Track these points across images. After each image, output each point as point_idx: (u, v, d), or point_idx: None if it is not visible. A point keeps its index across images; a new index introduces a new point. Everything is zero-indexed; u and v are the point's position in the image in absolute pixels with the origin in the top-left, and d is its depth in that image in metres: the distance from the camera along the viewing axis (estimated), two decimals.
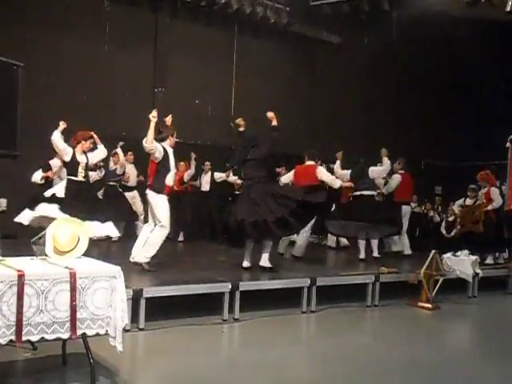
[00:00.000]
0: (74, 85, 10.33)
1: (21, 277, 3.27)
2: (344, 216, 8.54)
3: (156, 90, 11.83)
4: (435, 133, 14.76)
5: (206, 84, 12.19)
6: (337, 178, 8.36)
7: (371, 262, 8.06)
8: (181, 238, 10.43)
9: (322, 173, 8.10)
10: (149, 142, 6.04)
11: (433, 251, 7.02)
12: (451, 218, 10.46)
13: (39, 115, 9.13)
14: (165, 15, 11.93)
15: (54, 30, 10.31)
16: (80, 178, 6.72)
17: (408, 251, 9.37)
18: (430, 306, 6.84)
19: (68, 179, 6.71)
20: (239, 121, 7.02)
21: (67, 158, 6.68)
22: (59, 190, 6.67)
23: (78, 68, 10.46)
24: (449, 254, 7.73)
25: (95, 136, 6.99)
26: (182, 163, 10.34)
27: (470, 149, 13.62)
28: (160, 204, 6.22)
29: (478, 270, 7.78)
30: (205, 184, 11.00)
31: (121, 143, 9.62)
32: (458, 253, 7.78)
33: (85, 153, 6.83)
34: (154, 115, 6.13)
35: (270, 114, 6.91)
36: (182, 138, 11.75)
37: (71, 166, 6.74)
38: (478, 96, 14.22)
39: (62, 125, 6.66)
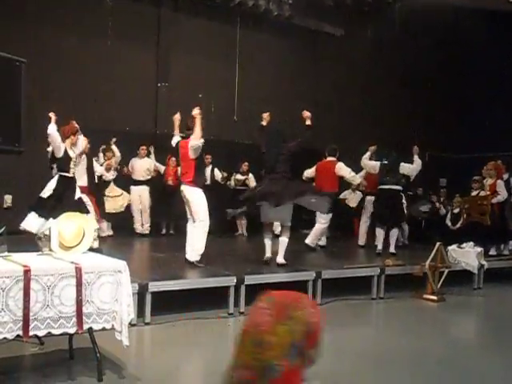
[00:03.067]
0: (77, 80, 10.33)
1: (27, 272, 3.29)
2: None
3: (159, 85, 11.81)
4: (439, 124, 14.70)
5: (209, 78, 12.16)
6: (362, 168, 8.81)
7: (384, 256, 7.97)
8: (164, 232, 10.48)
9: (342, 169, 8.33)
10: (199, 138, 6.40)
11: (438, 243, 7.01)
12: (456, 210, 10.43)
13: (43, 111, 9.14)
14: (167, 10, 11.90)
15: (57, 25, 10.29)
16: (71, 174, 6.57)
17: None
18: (435, 298, 6.83)
19: (60, 176, 6.50)
20: (266, 116, 7.03)
21: (60, 154, 6.50)
22: (45, 190, 6.48)
23: (81, 64, 10.45)
24: (454, 246, 7.73)
25: (77, 125, 6.80)
26: (173, 158, 10.21)
27: (475, 140, 13.54)
28: (200, 198, 6.36)
29: (484, 262, 7.77)
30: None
31: (114, 139, 9.43)
32: (463, 245, 7.78)
33: (72, 148, 6.66)
34: (198, 112, 6.47)
35: (306, 114, 7.04)
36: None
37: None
38: (482, 87, 14.13)
39: (54, 116, 6.47)
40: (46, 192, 6.47)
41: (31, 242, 6.43)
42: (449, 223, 10.55)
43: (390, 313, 6.48)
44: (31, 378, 3.73)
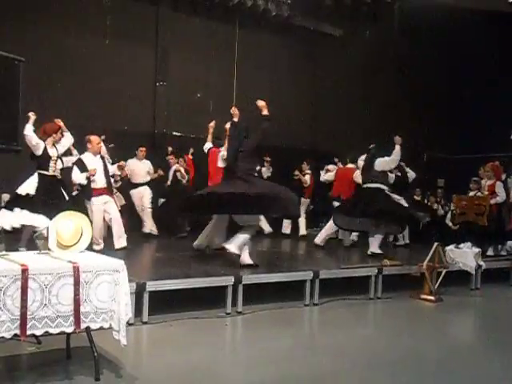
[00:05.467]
0: (75, 79, 10.31)
1: (24, 271, 3.28)
2: (349, 210, 8.26)
3: (157, 84, 11.81)
4: (437, 125, 14.71)
5: (208, 77, 12.17)
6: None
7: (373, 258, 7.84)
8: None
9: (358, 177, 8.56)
10: None
11: (435, 244, 7.02)
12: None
13: (41, 110, 9.13)
14: (165, 8, 11.90)
15: (55, 24, 10.28)
16: (51, 172, 6.56)
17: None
18: (432, 298, 6.85)
19: (40, 174, 6.51)
20: (233, 110, 6.88)
21: (39, 153, 6.47)
22: (30, 187, 6.47)
23: (79, 62, 10.44)
24: (451, 247, 7.73)
25: (62, 124, 6.78)
26: (181, 159, 10.34)
27: (472, 141, 13.56)
28: None
29: (481, 262, 7.78)
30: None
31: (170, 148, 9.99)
32: (461, 245, 7.79)
33: (55, 146, 6.66)
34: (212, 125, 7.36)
35: (261, 103, 6.68)
36: (184, 132, 11.82)
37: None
38: (480, 87, 14.15)
39: (32, 116, 6.45)
40: (24, 189, 6.46)
41: (29, 241, 6.48)
42: (449, 223, 10.53)
43: (387, 313, 6.49)
44: (28, 377, 3.72)
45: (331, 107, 13.52)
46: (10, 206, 6.49)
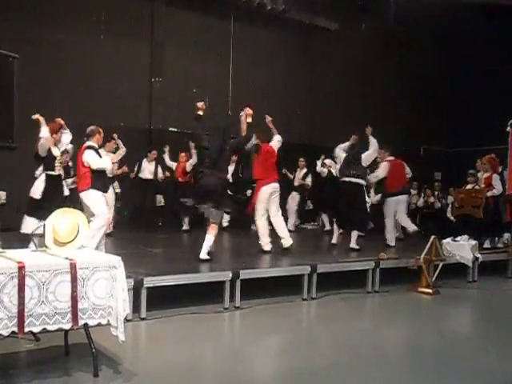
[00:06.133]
0: (70, 75, 10.28)
1: (21, 268, 3.28)
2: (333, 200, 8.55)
3: (153, 79, 11.77)
4: (434, 118, 14.72)
5: (203, 72, 12.14)
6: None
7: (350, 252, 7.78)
8: (186, 228, 10.47)
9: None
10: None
11: (432, 237, 7.04)
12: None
13: (36, 106, 9.09)
14: (160, 4, 11.86)
15: (50, 20, 10.23)
16: (57, 172, 6.57)
17: (392, 242, 8.77)
18: (430, 291, 6.87)
19: (47, 175, 6.51)
20: (201, 105, 6.79)
21: (45, 154, 6.46)
22: (38, 189, 6.46)
23: (75, 58, 10.40)
24: (448, 239, 7.76)
25: (62, 122, 6.73)
26: (182, 154, 10.38)
27: (469, 134, 13.57)
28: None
29: (478, 255, 7.81)
30: (147, 173, 10.46)
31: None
32: (458, 238, 7.82)
33: (56, 145, 6.64)
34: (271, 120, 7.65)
35: (249, 112, 6.84)
36: (180, 127, 11.80)
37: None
38: (477, 80, 14.14)
39: (41, 117, 6.44)
40: (37, 192, 6.45)
41: (25, 239, 6.47)
42: (451, 217, 10.53)
43: (385, 306, 6.51)
44: (27, 374, 3.72)
45: (328, 101, 13.51)
46: (30, 211, 6.41)
